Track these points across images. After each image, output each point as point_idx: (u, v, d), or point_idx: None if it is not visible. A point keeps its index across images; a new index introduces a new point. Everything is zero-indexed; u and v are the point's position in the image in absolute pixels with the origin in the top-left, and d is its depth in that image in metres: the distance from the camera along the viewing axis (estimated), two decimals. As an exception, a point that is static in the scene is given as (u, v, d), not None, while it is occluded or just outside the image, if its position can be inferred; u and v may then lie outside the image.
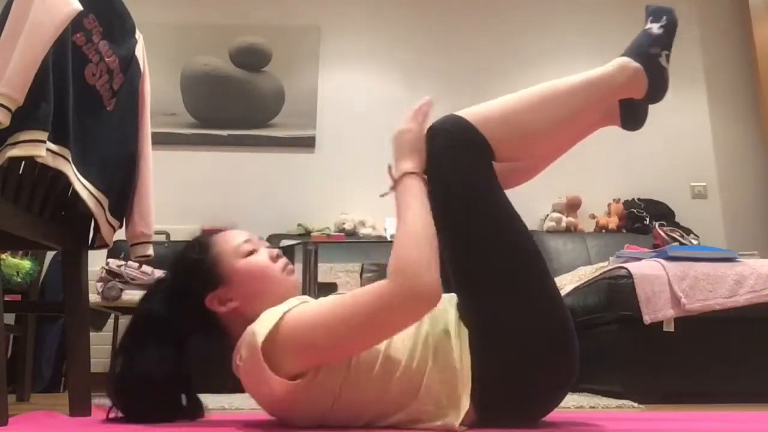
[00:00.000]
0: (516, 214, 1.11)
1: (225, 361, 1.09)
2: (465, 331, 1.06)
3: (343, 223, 4.00)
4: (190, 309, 1.10)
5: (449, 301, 1.13)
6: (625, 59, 1.21)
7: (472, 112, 1.14)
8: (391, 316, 0.97)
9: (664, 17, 1.26)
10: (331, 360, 1.01)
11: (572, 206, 4.23)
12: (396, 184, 1.10)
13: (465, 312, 1.08)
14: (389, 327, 0.99)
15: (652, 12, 1.28)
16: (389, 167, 1.14)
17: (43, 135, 1.30)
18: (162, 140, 3.90)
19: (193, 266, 1.12)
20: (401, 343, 1.05)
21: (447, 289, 1.19)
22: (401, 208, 1.06)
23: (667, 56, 1.24)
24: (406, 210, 1.05)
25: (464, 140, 1.11)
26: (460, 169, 1.11)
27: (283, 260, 1.16)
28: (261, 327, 0.98)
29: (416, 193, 1.07)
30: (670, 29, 1.25)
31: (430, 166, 1.12)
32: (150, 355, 1.08)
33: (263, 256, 1.14)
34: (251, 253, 1.13)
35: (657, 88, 1.22)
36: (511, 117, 1.16)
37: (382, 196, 1.18)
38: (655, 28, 1.24)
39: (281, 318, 0.98)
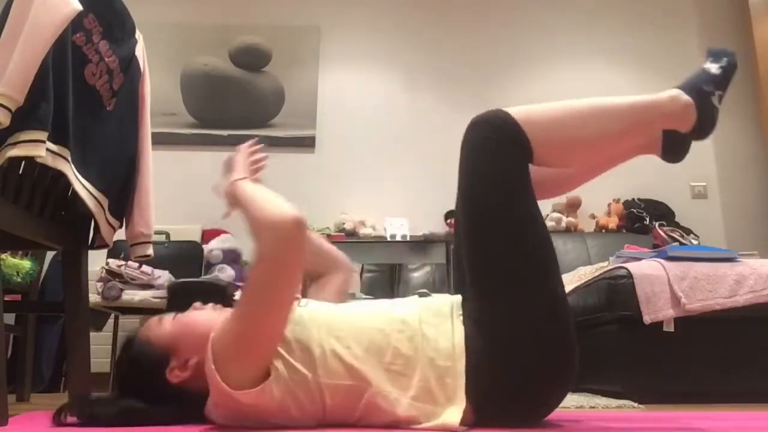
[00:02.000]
0: (541, 217, 1.12)
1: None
2: (461, 328, 1.06)
3: (343, 223, 4.00)
4: (160, 396, 1.08)
5: (445, 300, 1.14)
6: (678, 91, 1.22)
7: (518, 111, 1.15)
8: (276, 262, 1.00)
9: (725, 59, 1.26)
10: (268, 340, 1.02)
11: (572, 206, 4.23)
12: (229, 192, 1.15)
13: (470, 308, 1.09)
14: (282, 274, 1.01)
15: (714, 53, 1.28)
16: (214, 189, 1.21)
17: (42, 135, 1.30)
18: (162, 140, 3.90)
19: (137, 361, 1.12)
20: (383, 336, 1.06)
21: (458, 289, 1.19)
22: (244, 200, 1.10)
23: (720, 97, 1.24)
24: (248, 200, 1.09)
25: (508, 135, 1.12)
26: (497, 161, 1.12)
27: (210, 305, 1.19)
28: (207, 361, 1.01)
29: (250, 186, 1.13)
30: (729, 71, 1.25)
31: (468, 155, 1.14)
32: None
33: (188, 312, 1.17)
34: (175, 317, 1.16)
35: (704, 124, 1.22)
36: (557, 122, 1.17)
37: (224, 218, 1.22)
38: (714, 68, 1.25)
39: (211, 342, 1.01)
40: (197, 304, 1.19)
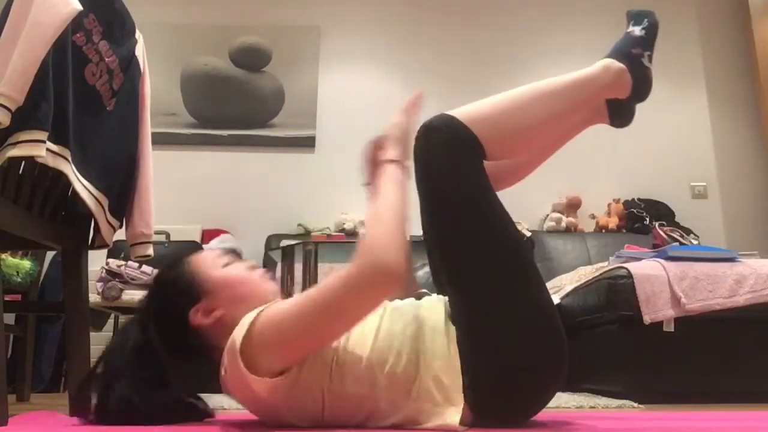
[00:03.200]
0: (506, 214, 1.12)
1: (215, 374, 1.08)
2: (453, 329, 1.06)
3: (343, 223, 4.00)
4: (174, 328, 1.09)
5: (438, 301, 1.14)
6: (609, 60, 1.25)
7: (462, 111, 1.16)
8: (357, 295, 0.97)
9: (645, 20, 1.30)
10: (305, 350, 1.01)
11: (572, 206, 4.23)
12: (377, 168, 1.15)
13: (454, 310, 1.08)
14: (355, 307, 0.99)
15: (634, 16, 1.32)
16: (363, 160, 1.21)
17: (42, 135, 1.30)
18: (162, 140, 3.90)
19: (173, 284, 1.13)
20: (387, 340, 1.05)
21: (438, 290, 1.20)
22: (377, 192, 1.09)
23: (650, 57, 1.27)
24: (380, 193, 1.09)
25: (456, 139, 1.13)
26: (451, 167, 1.12)
27: (260, 269, 1.19)
28: (238, 331, 0.99)
29: (393, 179, 1.11)
30: (652, 31, 1.29)
31: (420, 164, 1.15)
32: (130, 382, 1.06)
33: (240, 266, 1.17)
34: (227, 265, 1.16)
35: (641, 87, 1.26)
36: (501, 115, 1.18)
37: (364, 185, 1.22)
38: (637, 30, 1.29)
39: (255, 317, 0.99)
40: (252, 262, 1.19)
